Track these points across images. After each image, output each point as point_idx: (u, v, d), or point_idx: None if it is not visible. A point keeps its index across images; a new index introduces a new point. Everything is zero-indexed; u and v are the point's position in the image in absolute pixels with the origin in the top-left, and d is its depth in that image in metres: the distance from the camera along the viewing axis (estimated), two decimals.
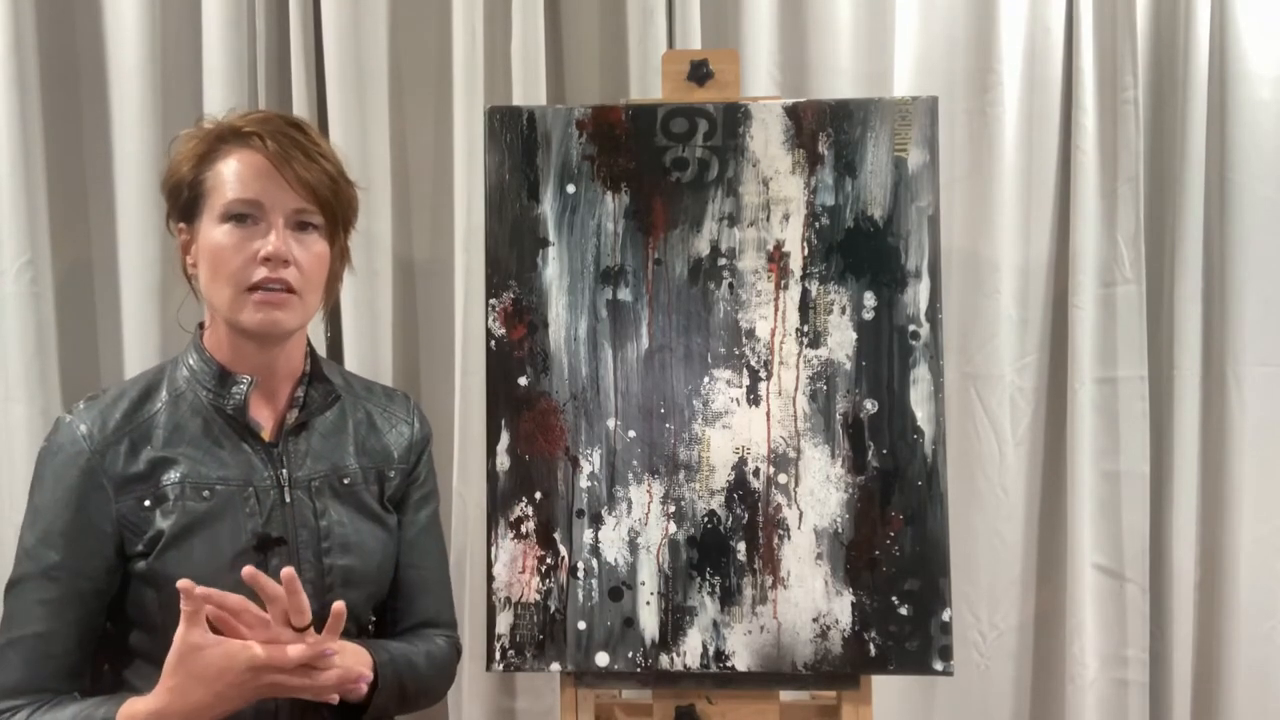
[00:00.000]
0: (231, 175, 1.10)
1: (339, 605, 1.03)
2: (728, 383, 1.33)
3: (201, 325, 1.19)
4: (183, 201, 1.14)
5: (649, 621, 1.32)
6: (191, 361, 1.16)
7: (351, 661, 1.11)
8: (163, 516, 1.09)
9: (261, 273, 1.09)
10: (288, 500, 1.14)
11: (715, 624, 1.31)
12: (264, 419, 1.17)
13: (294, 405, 1.18)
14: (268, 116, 1.15)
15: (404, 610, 1.25)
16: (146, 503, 1.10)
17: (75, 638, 1.09)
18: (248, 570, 1.01)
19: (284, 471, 1.15)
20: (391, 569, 1.23)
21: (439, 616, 1.28)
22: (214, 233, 1.10)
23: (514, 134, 1.35)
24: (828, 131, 1.34)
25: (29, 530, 1.10)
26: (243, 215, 1.10)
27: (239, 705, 1.02)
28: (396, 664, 1.16)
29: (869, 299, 1.33)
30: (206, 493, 1.11)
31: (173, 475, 1.11)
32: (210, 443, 1.13)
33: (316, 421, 1.19)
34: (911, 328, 1.32)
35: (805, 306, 1.33)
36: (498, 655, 1.32)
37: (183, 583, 0.98)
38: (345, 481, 1.19)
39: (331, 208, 1.14)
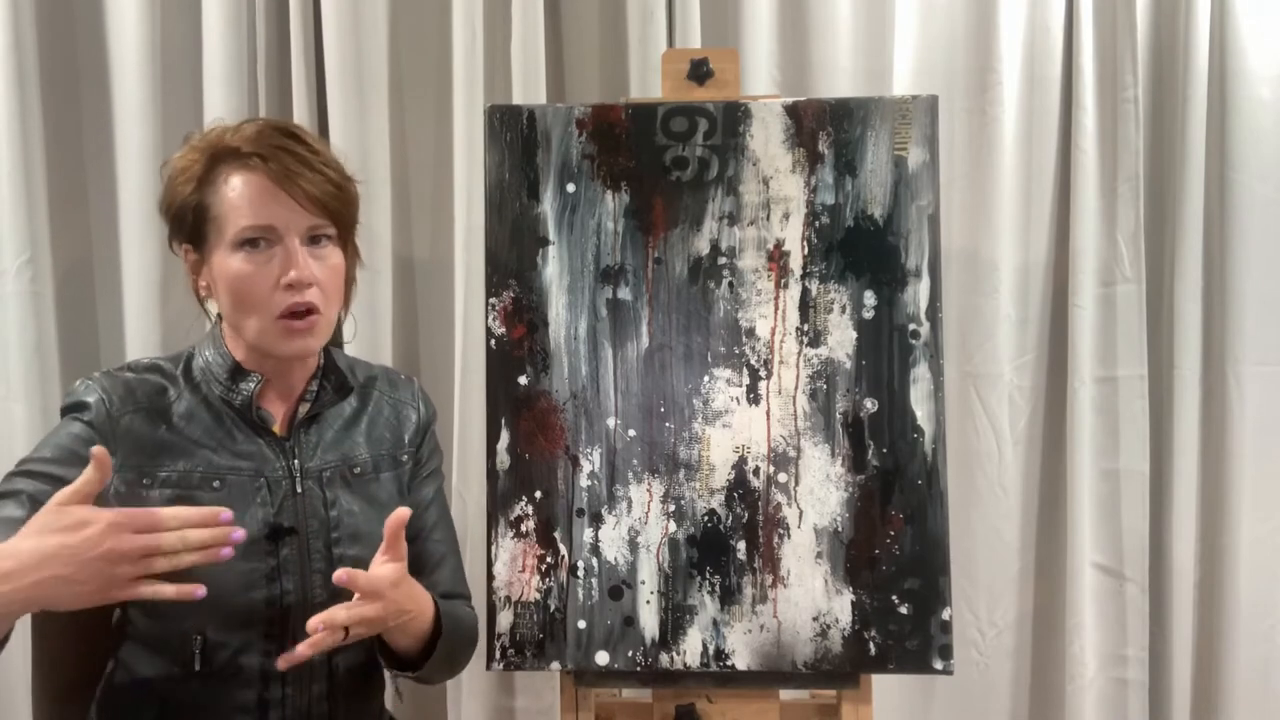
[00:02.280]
0: (238, 200, 1.09)
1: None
2: (728, 381, 1.33)
3: (222, 316, 1.18)
4: (188, 226, 1.13)
5: (649, 620, 1.32)
6: (209, 354, 1.17)
7: (418, 600, 1.11)
8: (163, 502, 1.08)
9: (288, 300, 1.09)
10: (299, 490, 1.15)
11: (715, 623, 1.31)
12: (276, 412, 1.17)
13: (305, 399, 1.19)
14: (261, 130, 1.13)
15: (426, 584, 1.26)
16: (145, 481, 1.09)
17: None
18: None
19: (295, 462, 1.15)
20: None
21: (458, 587, 1.29)
22: (230, 262, 1.10)
23: (514, 133, 1.35)
24: (828, 130, 1.34)
25: (26, 457, 1.09)
26: (256, 240, 1.09)
27: (84, 583, 0.88)
28: (449, 616, 1.18)
29: (869, 298, 1.33)
30: (217, 483, 1.12)
31: (183, 464, 1.11)
32: (223, 433, 1.14)
33: (327, 413, 1.20)
34: (911, 326, 1.32)
35: (805, 305, 1.33)
36: (498, 654, 1.32)
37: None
38: (356, 471, 1.19)
39: (342, 217, 1.14)
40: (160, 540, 0.89)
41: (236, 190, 1.09)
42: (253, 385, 1.14)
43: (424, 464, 1.29)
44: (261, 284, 1.09)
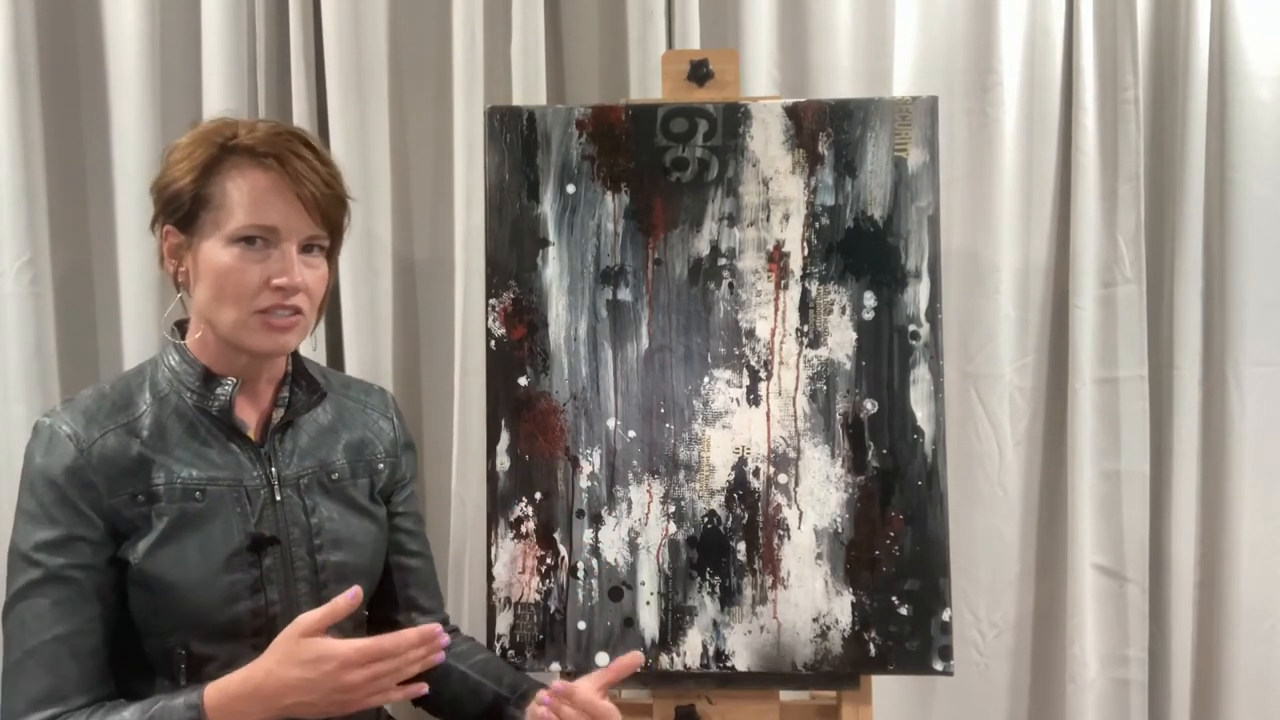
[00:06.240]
0: (244, 196, 1.08)
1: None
2: (728, 383, 1.33)
3: (178, 325, 1.17)
4: (182, 211, 1.11)
5: (649, 621, 1.32)
6: (173, 363, 1.14)
7: None
8: (156, 516, 1.08)
9: (273, 299, 1.08)
10: (278, 499, 1.14)
11: (715, 624, 1.31)
12: (248, 418, 1.16)
13: (278, 405, 1.18)
14: (277, 133, 1.12)
15: (420, 598, 1.28)
16: (140, 498, 1.08)
17: (99, 635, 1.06)
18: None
19: (273, 470, 1.14)
20: (382, 562, 1.24)
21: (440, 604, 1.33)
22: (221, 254, 1.08)
23: (514, 134, 1.35)
24: (828, 131, 1.34)
25: (26, 538, 1.06)
26: (253, 238, 1.08)
27: (323, 707, 1.02)
28: None
29: (869, 299, 1.33)
30: (198, 494, 1.10)
31: (162, 477, 1.09)
32: (198, 444, 1.12)
33: (301, 420, 1.19)
34: (911, 328, 1.32)
35: (805, 306, 1.33)
36: (498, 655, 1.31)
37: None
38: (334, 478, 1.19)
39: (338, 230, 1.14)
40: (386, 668, 1.01)
41: (243, 187, 1.08)
42: (229, 389, 1.12)
43: (407, 483, 1.29)
44: (251, 280, 1.08)
